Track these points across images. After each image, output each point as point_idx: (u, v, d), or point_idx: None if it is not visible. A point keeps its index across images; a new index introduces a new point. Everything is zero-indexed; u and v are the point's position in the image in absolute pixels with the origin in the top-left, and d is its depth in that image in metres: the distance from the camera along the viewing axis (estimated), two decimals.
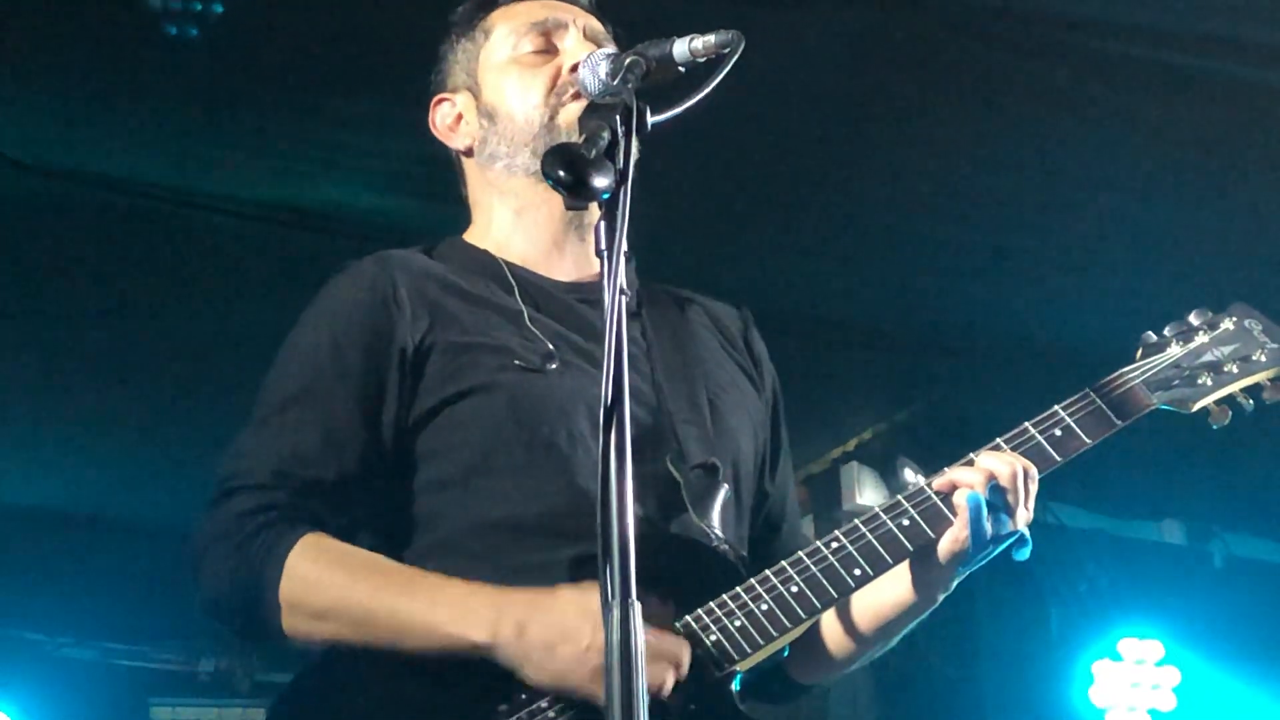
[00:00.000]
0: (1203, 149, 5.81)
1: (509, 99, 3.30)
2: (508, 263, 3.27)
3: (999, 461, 3.00)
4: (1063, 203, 6.06)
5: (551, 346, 3.15)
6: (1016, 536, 2.99)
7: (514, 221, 3.33)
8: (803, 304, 6.51)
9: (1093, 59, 5.37)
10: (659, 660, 2.83)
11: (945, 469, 3.04)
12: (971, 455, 3.04)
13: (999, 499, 2.97)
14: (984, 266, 6.39)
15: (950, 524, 2.99)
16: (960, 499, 2.98)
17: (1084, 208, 6.07)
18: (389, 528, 3.11)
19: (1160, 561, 8.22)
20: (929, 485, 3.02)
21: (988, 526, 2.96)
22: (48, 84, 5.37)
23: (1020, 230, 6.18)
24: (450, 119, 3.39)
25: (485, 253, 3.31)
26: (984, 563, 3.04)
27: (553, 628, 2.87)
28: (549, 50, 3.31)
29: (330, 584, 2.98)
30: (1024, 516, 2.99)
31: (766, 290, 6.31)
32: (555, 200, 3.05)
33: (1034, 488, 3.02)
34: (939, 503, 3.01)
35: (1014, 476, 2.98)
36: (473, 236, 3.37)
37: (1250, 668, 7.83)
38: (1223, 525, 8.31)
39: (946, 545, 3.00)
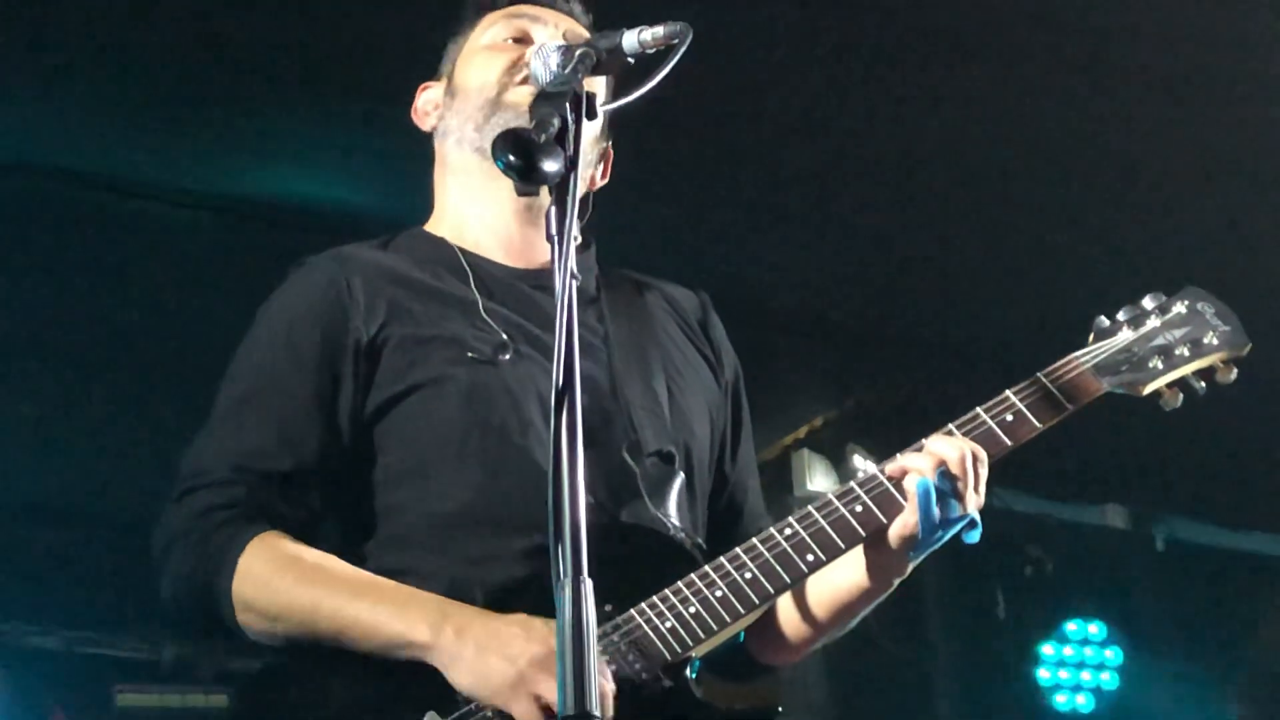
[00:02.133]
0: (1145, 147, 5.85)
1: (469, 78, 3.33)
2: (464, 250, 3.27)
3: (949, 446, 2.98)
4: (1005, 199, 6.08)
5: (505, 336, 3.15)
6: (967, 520, 2.98)
7: (468, 205, 3.33)
8: (755, 294, 6.49)
9: (1036, 61, 5.41)
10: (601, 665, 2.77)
11: (897, 455, 3.01)
12: (923, 441, 3.01)
13: (949, 484, 2.95)
14: (931, 259, 6.41)
15: (902, 509, 2.96)
16: (911, 484, 2.95)
17: (1026, 203, 6.10)
18: (350, 520, 3.12)
19: (1103, 545, 8.25)
20: (881, 471, 3.00)
21: (937, 511, 2.94)
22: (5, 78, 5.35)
23: (965, 225, 6.20)
24: (427, 105, 3.42)
25: (442, 241, 3.30)
26: (937, 546, 3.02)
27: (489, 634, 2.87)
28: (522, 40, 3.32)
29: (279, 585, 2.98)
30: (974, 500, 2.97)
31: (719, 281, 6.26)
32: (504, 180, 2.85)
33: (984, 472, 3.00)
34: (890, 488, 2.99)
35: (963, 461, 2.96)
36: (431, 225, 3.36)
37: (1190, 648, 7.88)
38: (1164, 510, 8.34)
39: (898, 530, 2.97)
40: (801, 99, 5.54)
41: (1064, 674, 7.95)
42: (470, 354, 3.11)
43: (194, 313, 6.04)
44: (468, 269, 3.24)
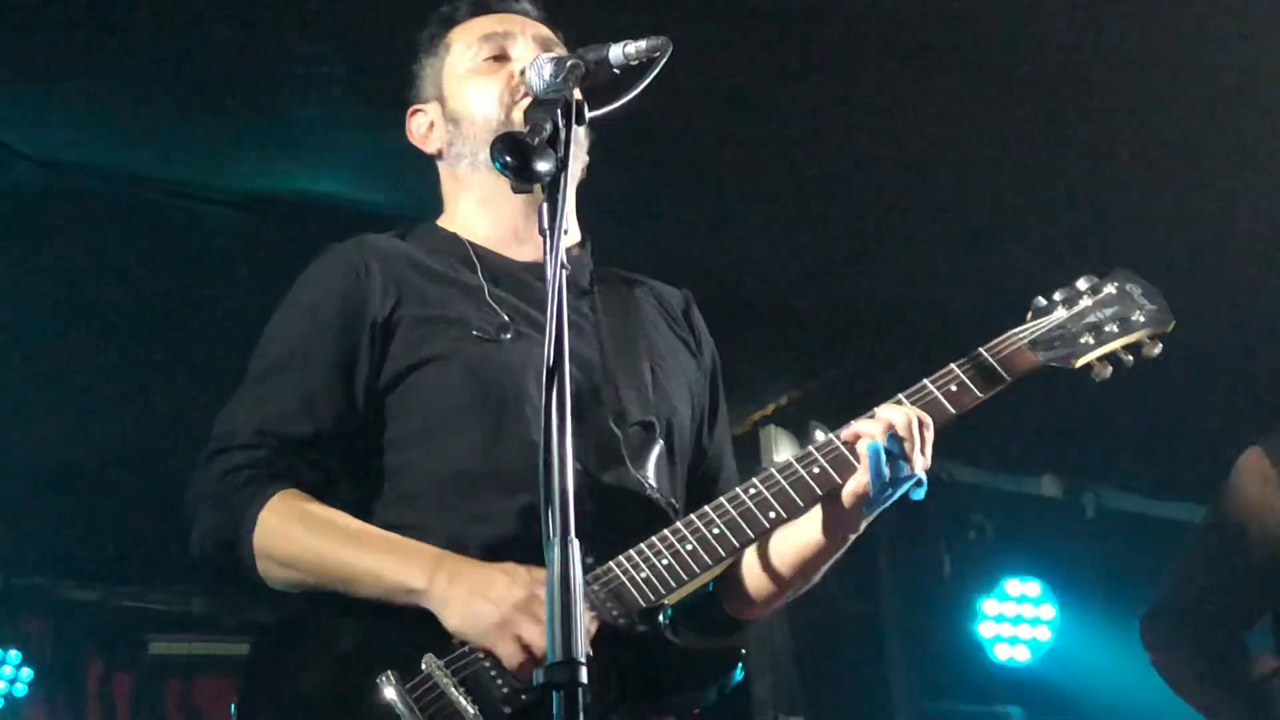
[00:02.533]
0: (1086, 146, 5.84)
1: (470, 104, 3.31)
2: (472, 243, 3.30)
3: (897, 413, 2.99)
4: (959, 191, 6.08)
5: (507, 318, 3.18)
6: (914, 480, 2.98)
7: (479, 209, 3.35)
8: (728, 287, 6.49)
9: (981, 62, 5.39)
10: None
11: (851, 422, 3.03)
12: (874, 409, 3.02)
13: (897, 446, 2.96)
14: (889, 248, 6.41)
15: (855, 470, 2.98)
16: (862, 447, 2.97)
17: (979, 194, 6.10)
18: (361, 480, 3.14)
19: (1039, 512, 8.28)
20: (836, 437, 3.02)
21: (887, 471, 2.95)
22: (53, 81, 5.34)
23: (920, 215, 6.20)
24: (424, 128, 3.41)
25: (453, 235, 3.33)
26: (888, 504, 3.04)
27: (478, 580, 2.89)
28: (502, 58, 3.32)
29: (295, 537, 3.01)
30: (921, 462, 2.98)
31: (693, 271, 6.26)
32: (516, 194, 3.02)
33: (929, 435, 3.01)
34: (845, 451, 3.00)
35: (909, 426, 2.97)
36: (443, 221, 3.38)
37: (1117, 605, 7.87)
38: (1094, 480, 8.35)
39: (851, 489, 2.99)
40: (769, 104, 5.55)
41: (1003, 628, 7.95)
42: (475, 332, 3.14)
43: (219, 297, 6.05)
44: (475, 259, 3.26)
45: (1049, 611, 7.98)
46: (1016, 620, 7.96)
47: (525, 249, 3.30)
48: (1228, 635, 4.76)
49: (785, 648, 7.50)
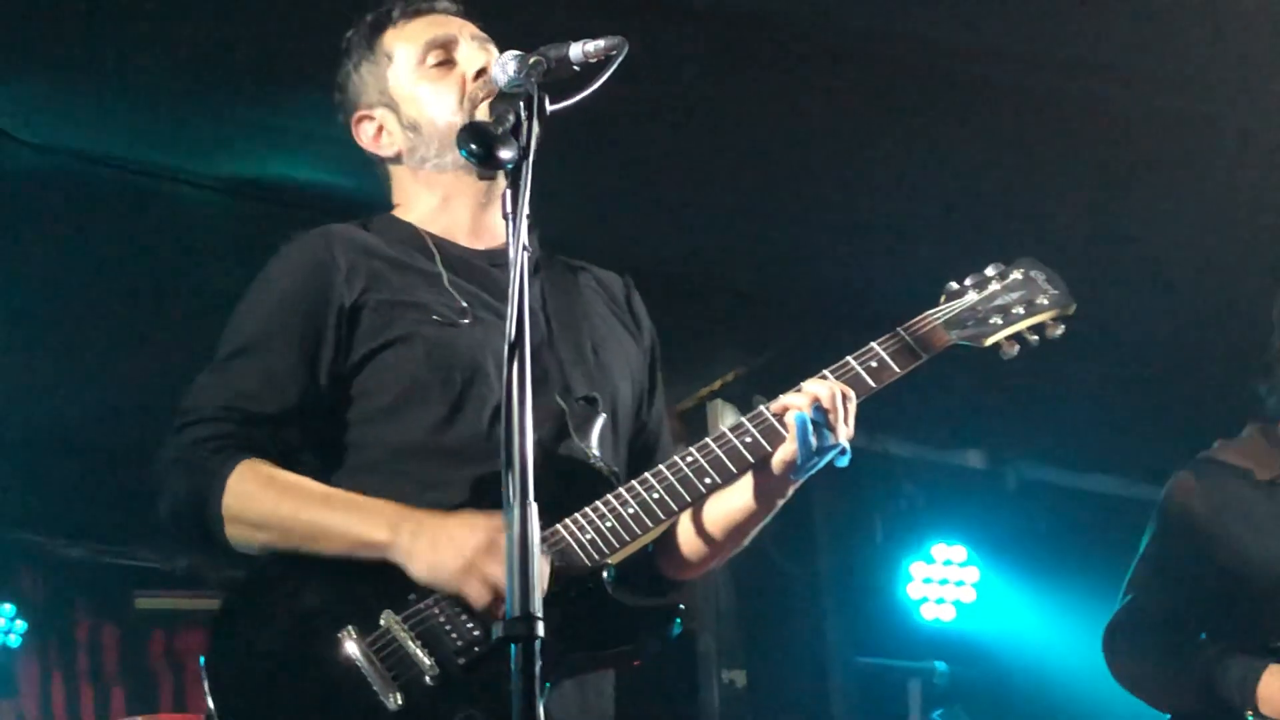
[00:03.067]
0: (997, 147, 5.88)
1: (428, 110, 3.28)
2: (430, 234, 3.28)
3: (822, 386, 3.01)
4: (888, 186, 6.12)
5: (465, 304, 3.18)
6: (838, 448, 3.01)
7: (439, 205, 3.32)
8: (678, 267, 6.51)
9: (912, 64, 5.42)
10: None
11: (780, 395, 3.05)
12: (801, 384, 3.04)
13: (822, 417, 2.98)
14: (825, 238, 6.43)
15: (784, 439, 3.01)
16: (790, 419, 2.99)
17: (906, 189, 6.12)
18: (323, 453, 3.13)
19: (964, 483, 8.30)
20: (766, 408, 3.04)
21: (814, 440, 2.97)
22: (46, 69, 5.34)
23: (853, 207, 6.23)
24: (373, 134, 3.35)
25: (411, 226, 3.30)
26: (814, 471, 3.06)
27: (439, 530, 2.90)
28: (448, 62, 3.30)
29: (262, 499, 2.99)
30: (844, 431, 3.00)
31: (645, 257, 6.29)
32: (476, 187, 3.23)
33: (852, 408, 3.03)
34: (774, 422, 3.02)
35: (833, 398, 2.99)
36: (399, 212, 3.36)
37: (1035, 567, 7.93)
38: (1015, 454, 8.39)
39: (780, 457, 3.02)
40: (717, 99, 5.56)
41: (930, 589, 7.99)
42: (435, 317, 3.14)
43: (203, 275, 6.02)
44: (434, 249, 3.25)
45: (973, 574, 8.02)
46: (943, 582, 8.00)
47: (480, 239, 3.30)
48: (1181, 637, 4.77)
49: (729, 607, 7.51)
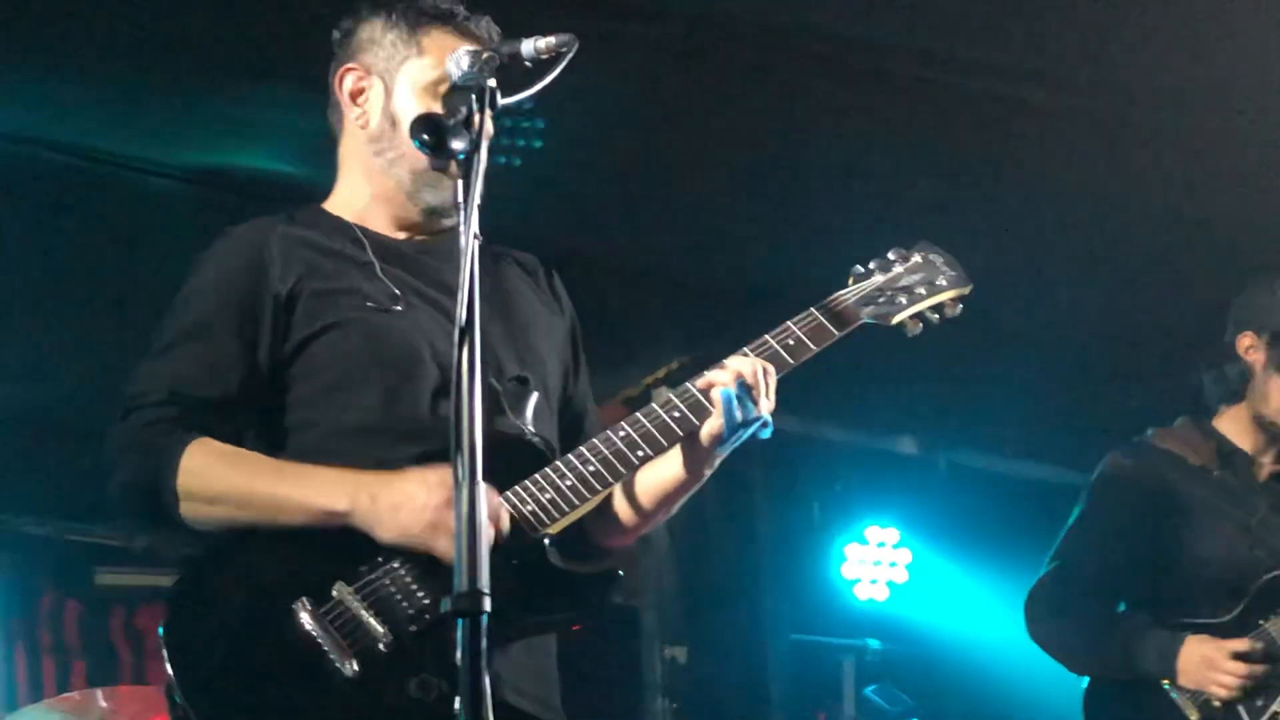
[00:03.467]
0: (907, 145, 5.89)
1: (406, 106, 3.22)
2: (359, 226, 3.26)
3: (744, 362, 3.05)
4: (810, 184, 6.14)
5: (398, 291, 3.17)
6: (761, 421, 3.03)
7: (373, 201, 3.29)
8: (625, 261, 6.52)
9: (842, 69, 5.42)
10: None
11: (704, 372, 3.08)
12: (724, 361, 3.08)
13: (745, 392, 3.00)
14: (764, 231, 6.43)
15: (710, 414, 3.03)
16: (715, 394, 3.01)
17: (837, 185, 6.15)
18: (268, 434, 3.12)
19: (898, 468, 8.33)
20: (693, 384, 3.06)
21: (738, 414, 3.00)
22: (10, 56, 5.26)
23: (787, 204, 6.24)
24: (354, 88, 3.27)
25: (341, 219, 3.28)
26: (739, 443, 3.08)
27: (397, 493, 2.90)
28: None
29: (217, 474, 2.98)
30: (766, 405, 3.03)
31: (595, 249, 6.31)
32: (406, 204, 3.23)
33: (772, 381, 3.06)
34: (700, 398, 3.05)
35: (755, 373, 3.02)
36: (332, 206, 3.32)
37: (964, 550, 7.97)
38: (946, 441, 8.42)
39: (706, 430, 3.04)
40: (655, 97, 5.56)
41: (864, 570, 8.01)
42: (369, 303, 3.13)
43: (163, 261, 5.97)
44: (363, 239, 3.23)
45: (905, 556, 8.06)
46: (876, 564, 8.03)
47: (409, 230, 3.29)
48: (1103, 605, 4.81)
49: (671, 586, 7.51)
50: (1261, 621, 4.57)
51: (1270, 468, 4.87)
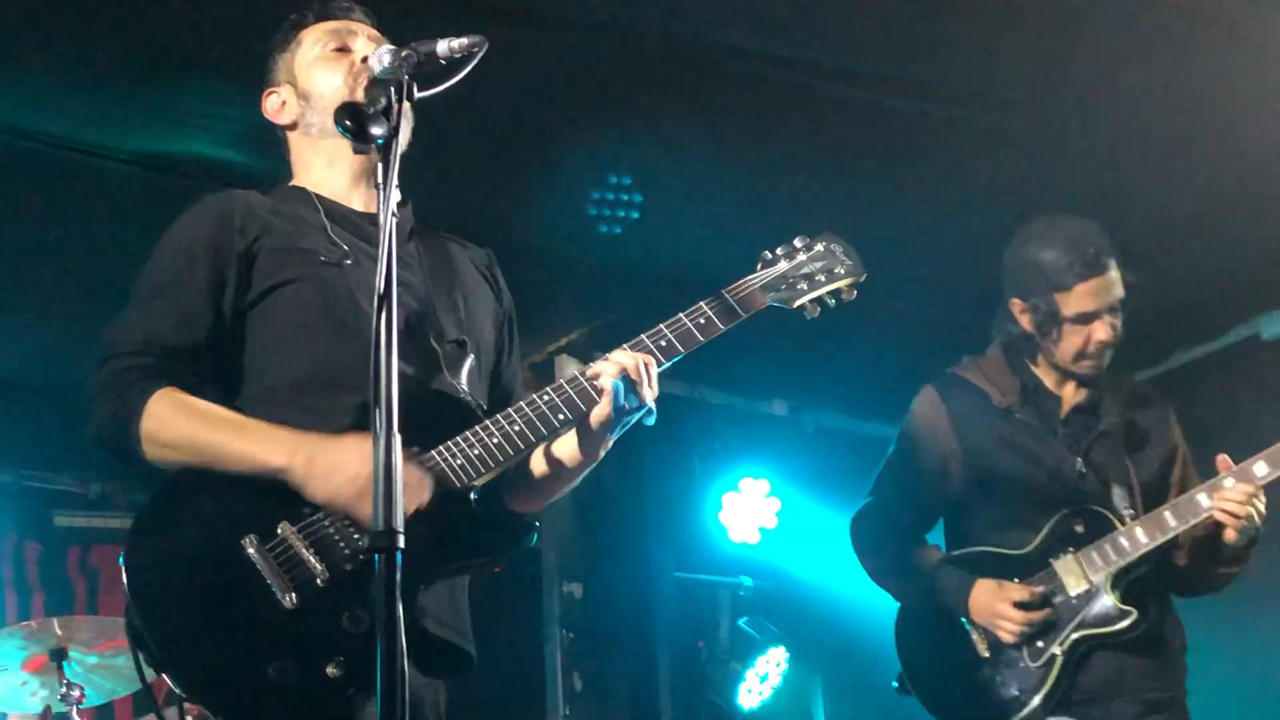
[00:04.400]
0: (811, 144, 5.91)
1: (319, 83, 3.30)
2: (317, 195, 3.27)
3: (627, 358, 3.03)
4: (713, 174, 6.12)
5: (346, 248, 3.16)
6: (646, 409, 3.03)
7: (324, 169, 3.32)
8: (533, 242, 6.49)
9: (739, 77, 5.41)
10: (411, 490, 2.82)
11: (592, 363, 3.07)
12: (609, 354, 3.06)
13: (629, 384, 2.99)
14: (657, 216, 6.41)
15: (599, 402, 3.02)
16: (605, 384, 3.01)
17: (730, 177, 6.13)
18: (229, 381, 3.11)
19: (770, 427, 8.37)
20: (582, 374, 3.05)
21: (624, 404, 2.99)
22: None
23: (673, 193, 6.23)
24: (277, 106, 3.37)
25: (301, 189, 3.31)
26: (626, 428, 3.07)
27: (332, 461, 2.87)
28: (345, 50, 3.31)
29: (177, 423, 2.96)
30: (649, 394, 3.01)
31: (503, 233, 6.28)
32: (355, 155, 3.21)
33: (654, 373, 3.04)
34: (588, 387, 3.04)
35: (637, 369, 3.00)
36: (295, 181, 3.38)
37: (826, 499, 8.01)
38: (812, 404, 8.47)
39: (595, 416, 3.04)
40: (557, 94, 5.51)
41: (739, 516, 8.03)
42: (322, 258, 3.13)
43: (114, 241, 5.88)
44: (319, 206, 3.24)
45: (774, 504, 8.08)
46: (750, 510, 8.04)
47: (359, 201, 3.29)
48: (913, 536, 4.78)
49: (569, 530, 7.52)
50: (1051, 560, 4.48)
51: (1071, 402, 4.67)
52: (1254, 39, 5.18)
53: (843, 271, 3.33)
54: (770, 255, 3.31)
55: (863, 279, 3.36)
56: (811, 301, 3.30)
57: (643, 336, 3.10)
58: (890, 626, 4.77)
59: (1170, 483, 4.62)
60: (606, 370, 3.00)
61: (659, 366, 3.07)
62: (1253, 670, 6.94)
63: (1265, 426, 4.60)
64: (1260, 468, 4.33)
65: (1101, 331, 4.52)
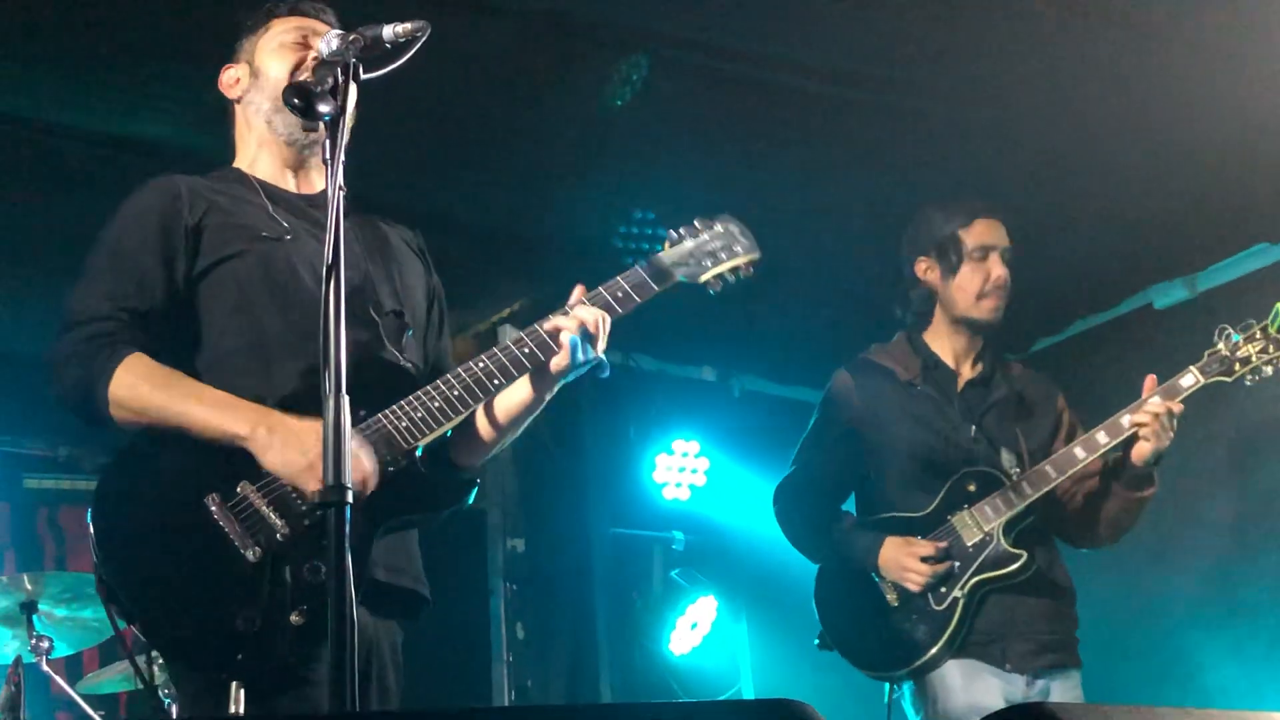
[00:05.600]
0: (733, 130, 5.90)
1: (269, 67, 3.31)
2: (256, 179, 3.30)
3: (587, 312, 3.09)
4: (637, 162, 6.11)
5: (286, 225, 3.19)
6: (598, 361, 3.10)
7: (259, 150, 3.33)
8: (478, 219, 6.45)
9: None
10: (356, 462, 2.84)
11: (550, 316, 3.12)
12: (570, 309, 3.12)
13: (587, 338, 3.06)
14: (590, 200, 6.41)
15: (556, 353, 3.05)
16: (563, 338, 3.06)
17: (656, 164, 6.13)
18: (180, 349, 3.10)
19: (700, 392, 8.37)
20: (540, 327, 3.10)
21: (580, 355, 3.05)
22: None
23: (601, 181, 6.23)
24: (231, 80, 3.39)
25: (239, 171, 3.33)
26: (575, 377, 3.14)
27: (290, 435, 2.87)
28: (304, 44, 3.31)
29: (144, 390, 2.94)
30: (602, 347, 3.10)
31: (454, 210, 6.25)
32: (284, 147, 3.29)
33: (607, 328, 3.11)
34: (546, 338, 3.09)
35: (595, 323, 3.09)
36: (236, 164, 3.39)
37: (752, 458, 8.05)
38: (739, 370, 8.49)
39: (553, 365, 3.11)
40: (501, 78, 5.48)
41: (671, 475, 8.05)
42: (264, 233, 3.14)
43: (80, 213, 5.79)
44: (258, 188, 3.26)
45: (704, 464, 8.11)
46: (681, 470, 8.06)
47: (296, 184, 3.32)
48: (829, 503, 4.89)
49: (512, 488, 7.52)
50: (949, 516, 4.63)
51: (967, 376, 4.87)
52: (1145, 23, 5.24)
53: (740, 250, 3.43)
54: (676, 235, 3.39)
55: (757, 257, 3.45)
56: (714, 277, 3.39)
57: (567, 309, 3.13)
58: (808, 575, 4.87)
59: (1054, 449, 4.76)
60: (566, 324, 3.05)
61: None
62: (1142, 628, 7.05)
63: None
64: (1187, 379, 4.49)
65: (997, 267, 4.77)
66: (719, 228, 3.40)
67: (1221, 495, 6.94)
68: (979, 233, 4.75)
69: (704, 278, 3.35)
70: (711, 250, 3.34)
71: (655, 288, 3.23)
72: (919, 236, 4.87)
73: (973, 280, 4.74)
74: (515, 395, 3.20)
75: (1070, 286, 5.02)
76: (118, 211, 3.20)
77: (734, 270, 3.38)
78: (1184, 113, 5.75)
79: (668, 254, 3.32)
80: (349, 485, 2.32)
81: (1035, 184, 6.21)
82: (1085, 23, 5.19)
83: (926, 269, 4.84)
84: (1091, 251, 6.94)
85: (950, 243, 4.76)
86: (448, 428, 3.07)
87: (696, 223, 3.41)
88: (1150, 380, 4.51)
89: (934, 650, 4.49)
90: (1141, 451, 4.45)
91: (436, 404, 3.00)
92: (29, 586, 5.46)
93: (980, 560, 4.54)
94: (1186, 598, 6.98)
